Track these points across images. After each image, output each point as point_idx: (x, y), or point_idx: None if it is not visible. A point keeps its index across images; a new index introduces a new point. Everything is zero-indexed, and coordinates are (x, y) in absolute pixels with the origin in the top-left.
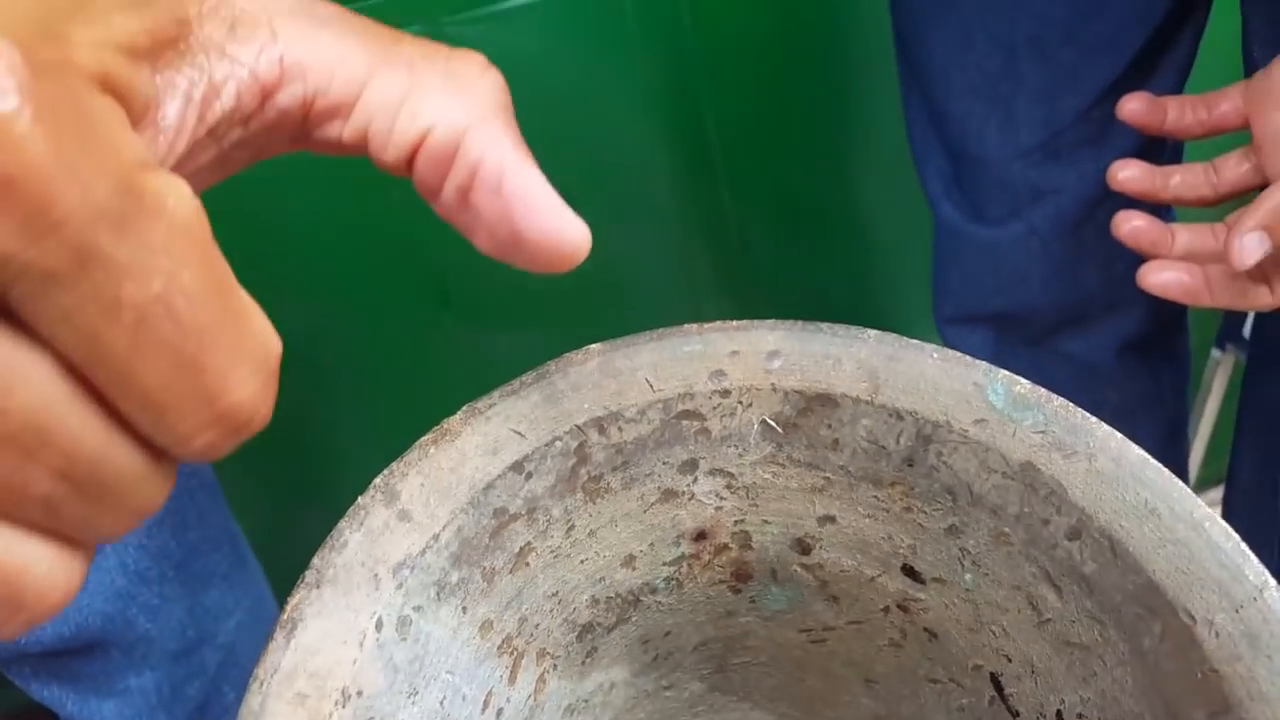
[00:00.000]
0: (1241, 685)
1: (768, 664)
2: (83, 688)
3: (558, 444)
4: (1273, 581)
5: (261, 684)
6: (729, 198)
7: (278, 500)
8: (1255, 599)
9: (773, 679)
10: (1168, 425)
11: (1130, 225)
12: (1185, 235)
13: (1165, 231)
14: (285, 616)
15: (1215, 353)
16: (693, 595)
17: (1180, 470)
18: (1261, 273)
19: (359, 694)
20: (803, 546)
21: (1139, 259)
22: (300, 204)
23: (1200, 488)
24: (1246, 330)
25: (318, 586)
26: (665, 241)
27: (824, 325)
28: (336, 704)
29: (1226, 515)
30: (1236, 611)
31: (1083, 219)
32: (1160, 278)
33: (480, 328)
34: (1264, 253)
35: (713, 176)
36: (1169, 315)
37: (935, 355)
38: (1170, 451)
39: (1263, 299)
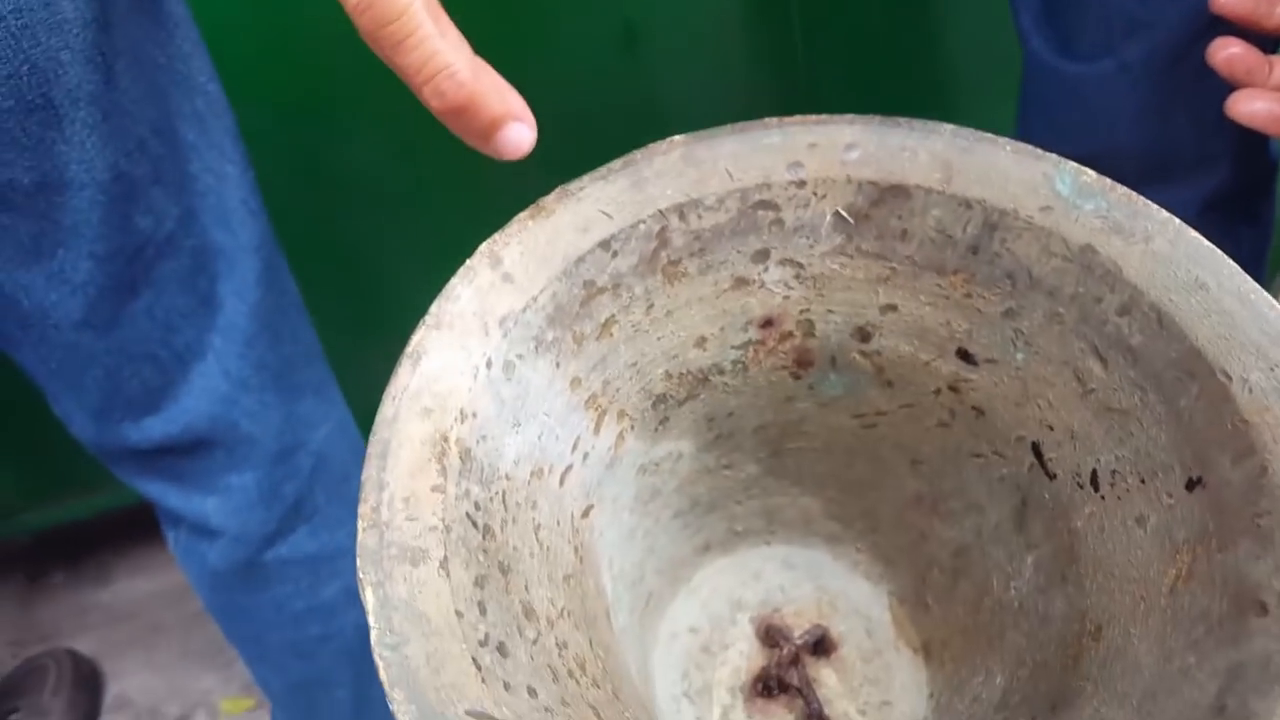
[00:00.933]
0: (1268, 431)
1: (820, 450)
2: (186, 484)
3: (641, 227)
4: None
5: (394, 399)
6: (800, 40)
7: (347, 331)
8: None
9: (824, 464)
10: None
11: (1227, 52)
12: None
13: (1262, 62)
14: (410, 349)
15: None
16: (756, 379)
17: None
18: None
19: (474, 415)
20: (863, 334)
21: None
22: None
23: None
24: None
25: (437, 328)
26: (729, 88)
27: (901, 120)
28: (456, 420)
29: None
30: (1272, 370)
31: (1179, 55)
32: (1251, 106)
33: (540, 164)
34: None
35: (785, 15)
36: (1258, 175)
37: (1009, 148)
38: None
39: None
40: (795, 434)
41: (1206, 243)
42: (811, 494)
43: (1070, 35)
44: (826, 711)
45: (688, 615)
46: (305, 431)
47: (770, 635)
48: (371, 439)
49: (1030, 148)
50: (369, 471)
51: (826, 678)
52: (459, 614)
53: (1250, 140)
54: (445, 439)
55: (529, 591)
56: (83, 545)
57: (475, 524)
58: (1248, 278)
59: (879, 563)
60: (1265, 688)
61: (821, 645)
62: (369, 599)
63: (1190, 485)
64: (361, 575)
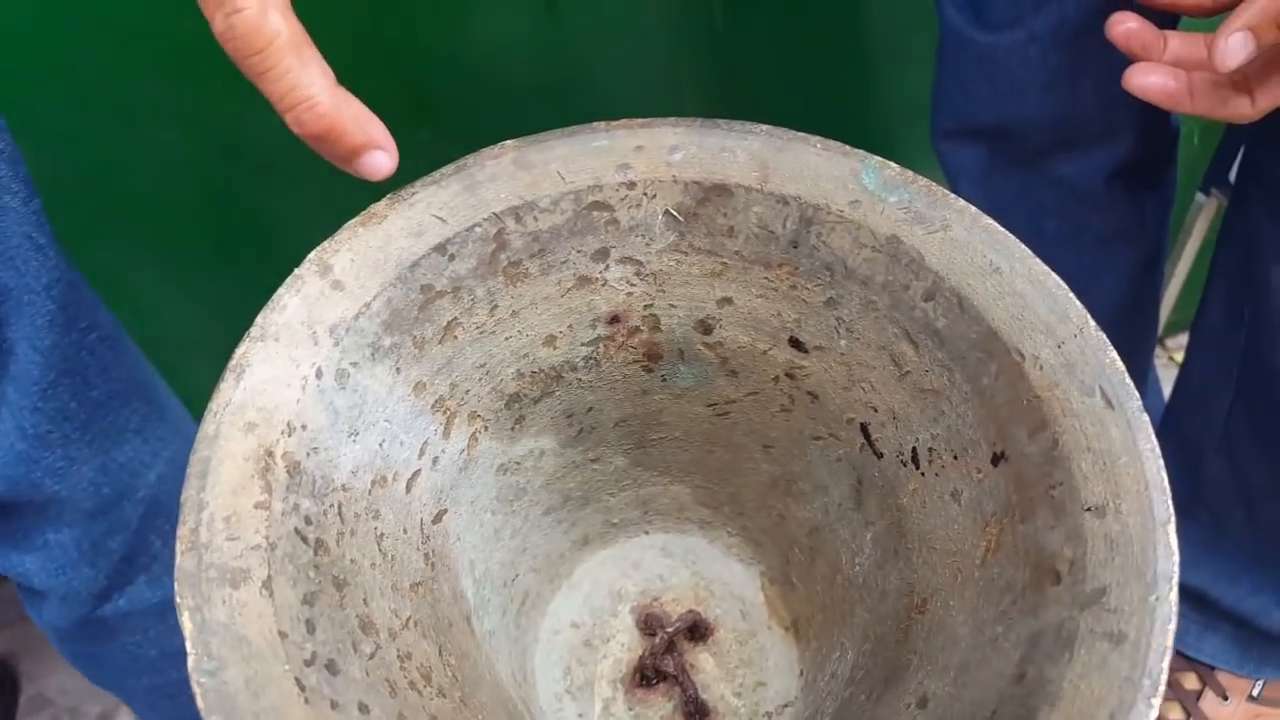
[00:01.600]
0: (1057, 405)
1: (681, 439)
2: (2, 544)
3: (477, 230)
4: (1092, 321)
5: (215, 414)
6: (720, 11)
7: (250, 304)
8: (1076, 335)
9: (687, 454)
10: (1146, 255)
11: (1124, 26)
12: (1176, 41)
13: (1158, 37)
14: (233, 363)
15: (1200, 196)
16: (610, 374)
17: (1153, 301)
18: (1245, 81)
19: (303, 427)
20: (705, 327)
21: None
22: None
23: (1171, 332)
24: (1232, 175)
25: (261, 340)
26: (650, 58)
27: (720, 121)
28: (283, 433)
29: (1192, 350)
30: (1059, 347)
31: (1086, 27)
32: (1145, 80)
33: (458, 139)
34: (1247, 55)
35: None
36: (1160, 144)
37: (818, 145)
38: (1145, 282)
39: (1243, 109)
40: (656, 425)
41: (999, 228)
42: (680, 482)
43: (983, 5)
44: (704, 696)
45: (569, 610)
46: (128, 479)
47: (649, 624)
48: (191, 458)
49: (839, 145)
50: (188, 492)
51: (704, 663)
52: (283, 634)
53: (1153, 112)
54: (270, 454)
55: (368, 604)
56: None
57: (305, 539)
58: (1038, 260)
59: (749, 545)
60: (1057, 654)
61: (698, 630)
62: (186, 624)
63: (995, 460)
64: (179, 600)
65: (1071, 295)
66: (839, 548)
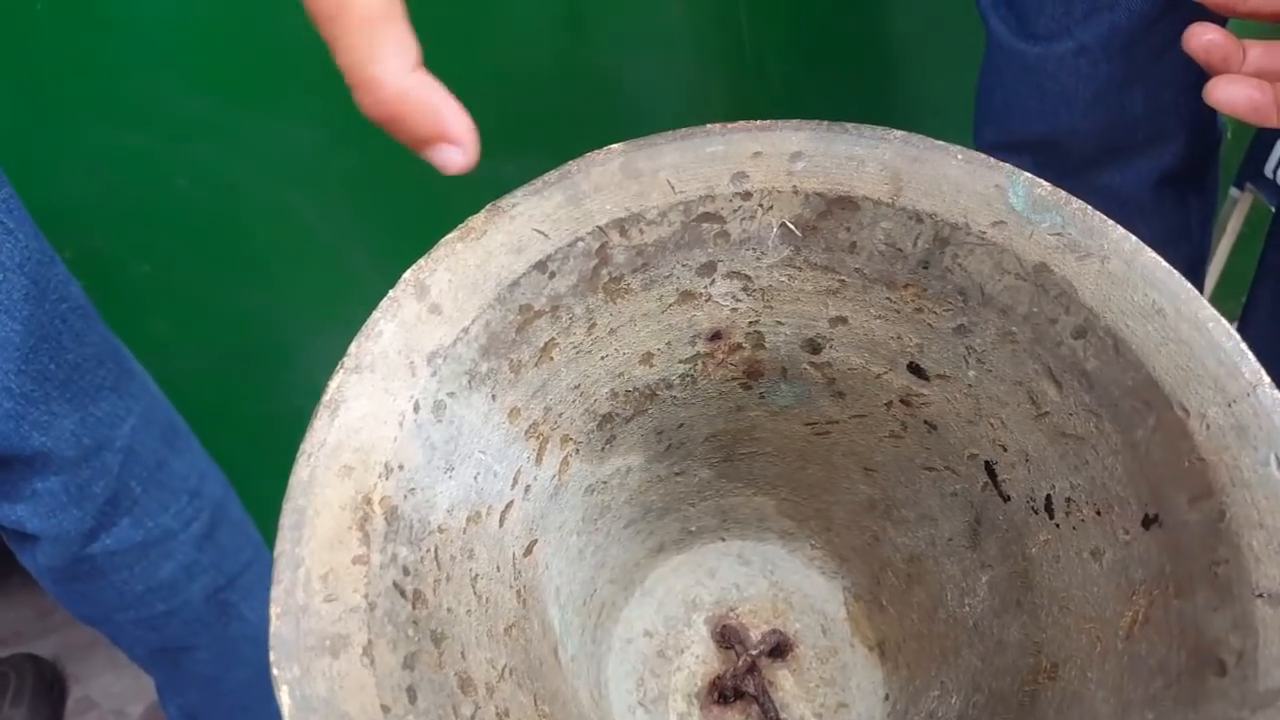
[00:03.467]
0: (1226, 472)
1: (772, 454)
2: None
3: (580, 244)
4: (1267, 379)
5: (309, 457)
6: (746, 15)
7: (286, 320)
8: (1249, 394)
9: (776, 468)
10: (1191, 259)
11: (1205, 39)
12: (1256, 51)
13: (1238, 47)
14: (328, 398)
15: (1234, 191)
16: (706, 391)
17: None
18: None
19: (400, 468)
20: (813, 346)
21: (1186, 87)
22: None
23: None
24: (1269, 169)
25: (357, 371)
26: (675, 65)
27: (850, 126)
28: (380, 476)
29: None
30: (1229, 406)
31: (1136, 38)
32: (1229, 92)
33: (488, 155)
34: None
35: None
36: (1206, 148)
37: (960, 156)
38: (1190, 281)
39: None
40: (747, 440)
41: (1164, 264)
42: (765, 494)
43: (1029, 16)
44: (783, 716)
45: (642, 619)
46: (106, 431)
47: (726, 637)
48: (285, 506)
49: (983, 157)
50: (282, 546)
51: (782, 680)
52: (385, 708)
53: (1200, 116)
54: (369, 500)
55: (465, 659)
56: None
57: (404, 593)
58: (1204, 303)
59: (834, 559)
60: None
61: (779, 648)
62: (285, 701)
63: (1147, 522)
64: (276, 672)
65: (1244, 347)
66: (944, 582)
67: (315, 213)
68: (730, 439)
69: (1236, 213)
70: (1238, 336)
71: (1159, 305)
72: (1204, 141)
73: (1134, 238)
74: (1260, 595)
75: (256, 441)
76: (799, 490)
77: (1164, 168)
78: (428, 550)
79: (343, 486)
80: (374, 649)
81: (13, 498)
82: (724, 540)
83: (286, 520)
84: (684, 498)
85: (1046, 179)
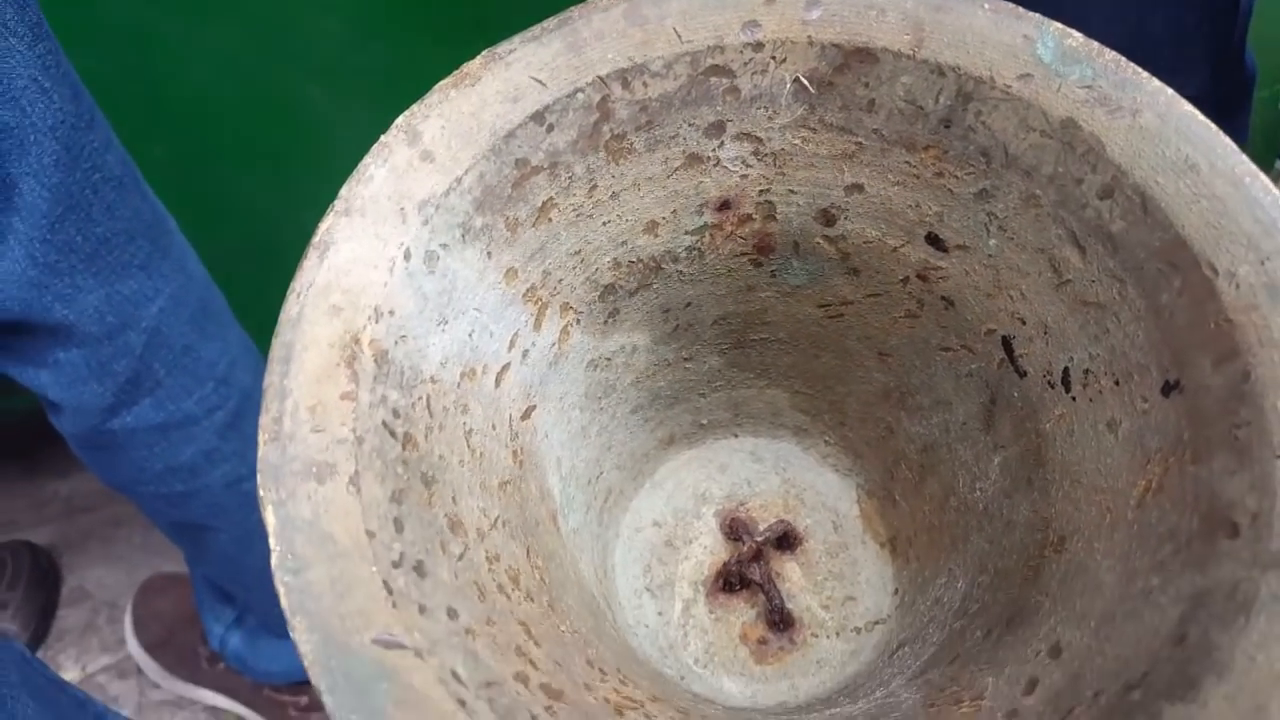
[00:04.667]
0: (1254, 332)
1: (785, 341)
2: (19, 357)
3: (579, 96)
4: None
5: (298, 295)
6: None
7: (298, 215)
8: None
9: (789, 357)
10: None
11: None
12: None
13: None
14: (317, 239)
15: (1278, 164)
16: (714, 266)
17: None
18: None
19: (390, 313)
20: (827, 218)
21: (1210, 15)
22: None
23: None
24: None
25: (347, 215)
26: None
27: None
28: (369, 319)
29: None
30: (1262, 264)
31: None
32: None
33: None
34: None
35: None
36: (1234, 85)
37: (987, 6)
38: None
39: None
40: (758, 325)
41: (1201, 118)
42: (778, 386)
43: None
44: (789, 606)
45: (651, 509)
46: (131, 310)
47: (734, 529)
48: (274, 341)
49: (1011, 6)
50: (270, 378)
51: (790, 572)
52: (370, 534)
53: (1226, 52)
54: (357, 340)
55: (456, 503)
56: (39, 438)
57: (393, 433)
58: (1243, 157)
59: (847, 455)
60: (1229, 618)
61: (786, 540)
62: (270, 519)
63: (1167, 389)
64: (262, 493)
65: None
66: (957, 469)
67: (334, 108)
68: (741, 322)
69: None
70: (1276, 192)
71: (1193, 160)
72: (1231, 79)
73: (1169, 90)
74: None
75: (263, 336)
76: (813, 381)
77: (1191, 91)
78: (419, 398)
79: (331, 325)
80: (360, 479)
81: (36, 363)
82: (736, 436)
83: (276, 354)
84: (694, 387)
85: None
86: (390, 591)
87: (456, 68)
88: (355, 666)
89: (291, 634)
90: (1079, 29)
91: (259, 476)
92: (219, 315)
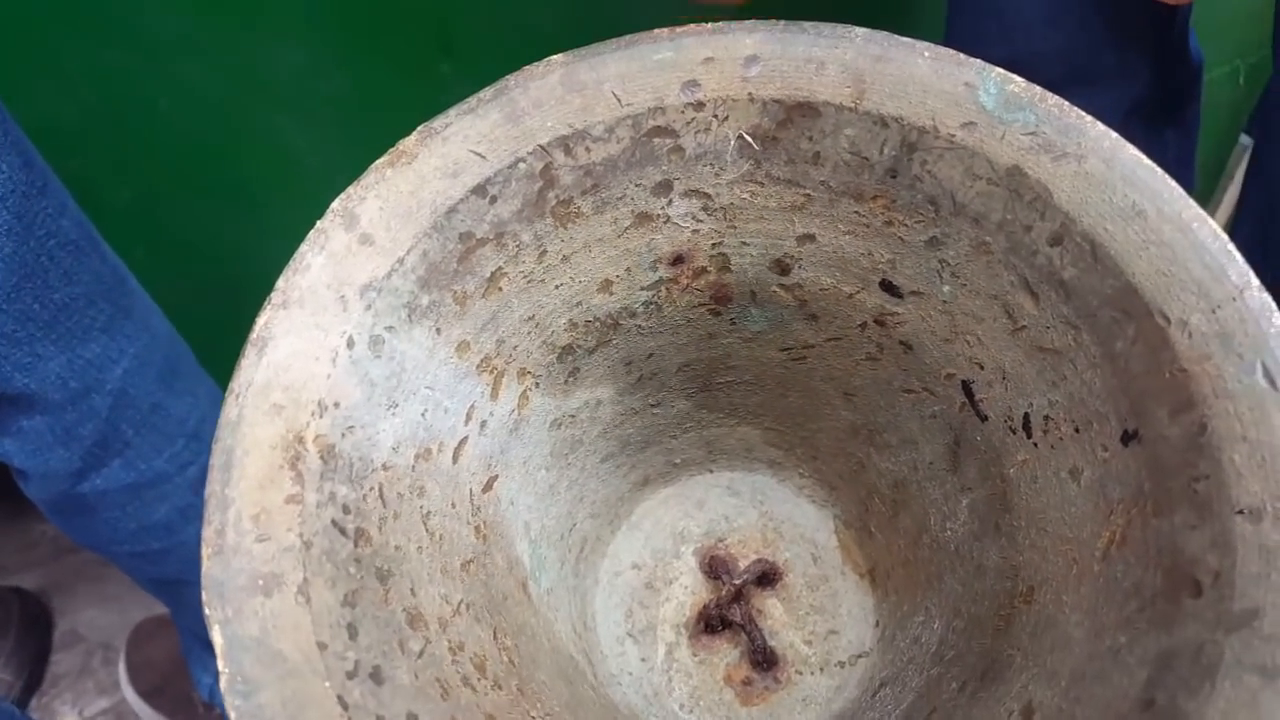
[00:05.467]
0: (1208, 382)
1: (751, 383)
2: None
3: (521, 165)
4: (1255, 281)
5: (237, 396)
6: None
7: (270, 248)
8: (1234, 299)
9: (757, 396)
10: None
11: None
12: None
13: None
14: (255, 335)
15: (1244, 138)
16: (673, 318)
17: None
18: None
19: (335, 405)
20: (782, 267)
21: (1150, 16)
22: None
23: None
24: None
25: (284, 307)
26: None
27: (808, 25)
28: (313, 414)
29: None
30: (1213, 312)
31: None
32: None
33: (481, 76)
34: None
35: None
36: (1180, 82)
37: (927, 54)
38: None
39: None
40: (723, 369)
41: (1146, 162)
42: (749, 424)
43: None
44: (772, 643)
45: (630, 552)
46: (95, 373)
47: (714, 568)
48: (214, 447)
49: (951, 53)
50: (212, 487)
51: (772, 609)
52: (322, 645)
53: (1171, 48)
54: (300, 439)
55: (415, 594)
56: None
57: (344, 531)
58: (1191, 202)
59: (823, 488)
60: (1195, 685)
61: (766, 577)
62: (216, 639)
63: (1126, 438)
64: (208, 612)
65: (1232, 248)
66: (928, 507)
67: (301, 138)
68: (705, 368)
69: (1246, 160)
70: (1225, 237)
71: (1140, 206)
72: (1178, 73)
73: (1114, 134)
74: (1240, 512)
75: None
76: (782, 419)
77: (1134, 97)
78: (371, 488)
79: (272, 425)
80: (310, 587)
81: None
82: (712, 471)
83: (215, 461)
84: (664, 430)
85: None
86: (345, 707)
87: (421, 93)
88: None
89: None
90: (1024, 32)
91: (204, 594)
92: (187, 370)
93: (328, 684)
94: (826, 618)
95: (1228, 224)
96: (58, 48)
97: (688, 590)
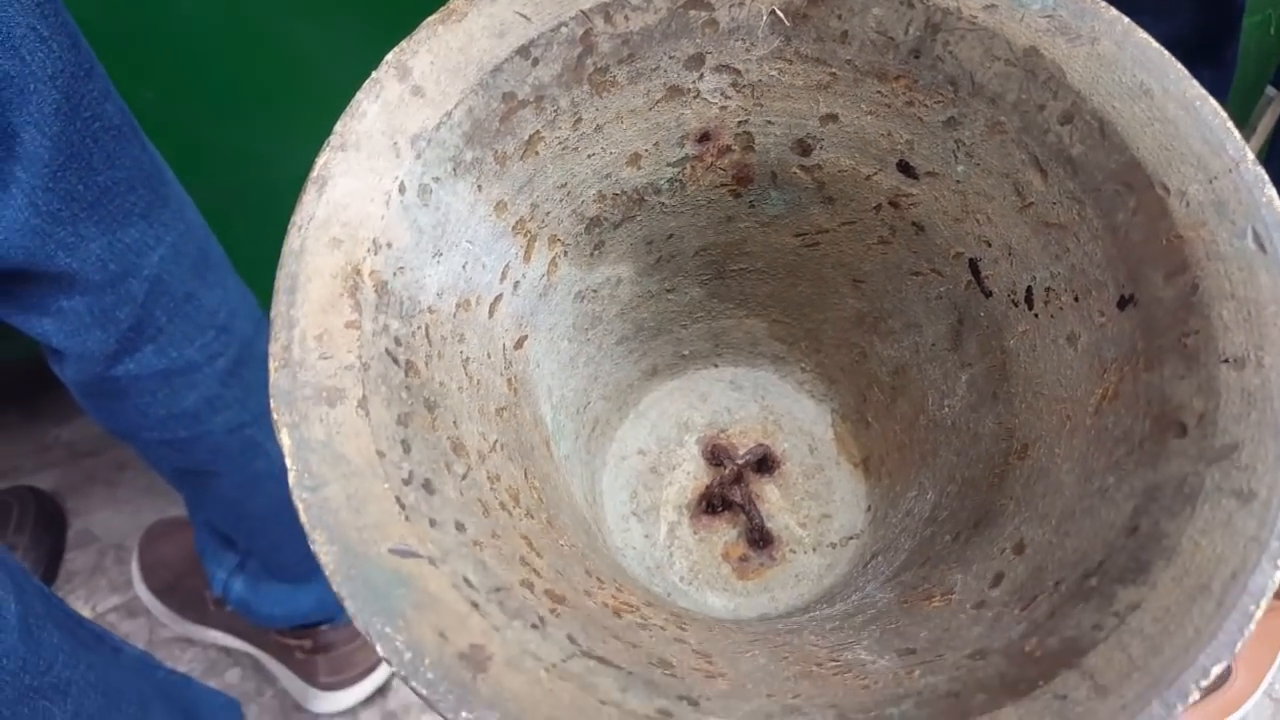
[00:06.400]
0: (1201, 246)
1: (764, 270)
2: (22, 305)
3: (564, 30)
4: (1250, 155)
5: (300, 229)
6: None
7: (290, 155)
8: (1230, 170)
9: (767, 286)
10: None
11: None
12: None
13: None
14: (315, 174)
15: (1270, 90)
16: (695, 198)
17: None
18: None
19: (388, 245)
20: (803, 147)
21: None
22: None
23: None
24: None
25: (343, 150)
26: None
27: None
28: (369, 251)
29: None
30: (1210, 182)
31: None
32: None
33: None
34: None
35: None
36: (1221, 20)
37: None
38: None
39: None
40: (738, 255)
41: (1155, 45)
42: (757, 315)
43: None
44: (768, 525)
45: (636, 438)
46: (134, 258)
47: (716, 455)
48: (279, 272)
49: None
50: (277, 308)
51: (769, 494)
52: (380, 453)
53: None
54: (358, 271)
55: (458, 427)
56: (38, 384)
57: (396, 360)
58: (1194, 82)
59: (823, 382)
60: (1176, 508)
61: (765, 463)
62: (285, 440)
63: (1122, 303)
64: (276, 417)
65: (1230, 125)
66: (926, 388)
67: (323, 45)
68: (721, 253)
69: (1270, 112)
70: (1224, 114)
71: (1146, 85)
72: (1218, 11)
73: (1125, 19)
74: (1225, 360)
75: (254, 278)
76: (790, 310)
77: (1175, 30)
78: (418, 327)
79: (333, 257)
80: (369, 403)
81: (39, 311)
82: (717, 366)
83: (281, 285)
84: (675, 318)
85: None
86: (403, 506)
87: (442, 3)
88: (374, 574)
89: (311, 546)
90: None
91: (271, 401)
92: (218, 264)
93: (386, 485)
94: (821, 503)
95: None
96: None
97: (690, 475)
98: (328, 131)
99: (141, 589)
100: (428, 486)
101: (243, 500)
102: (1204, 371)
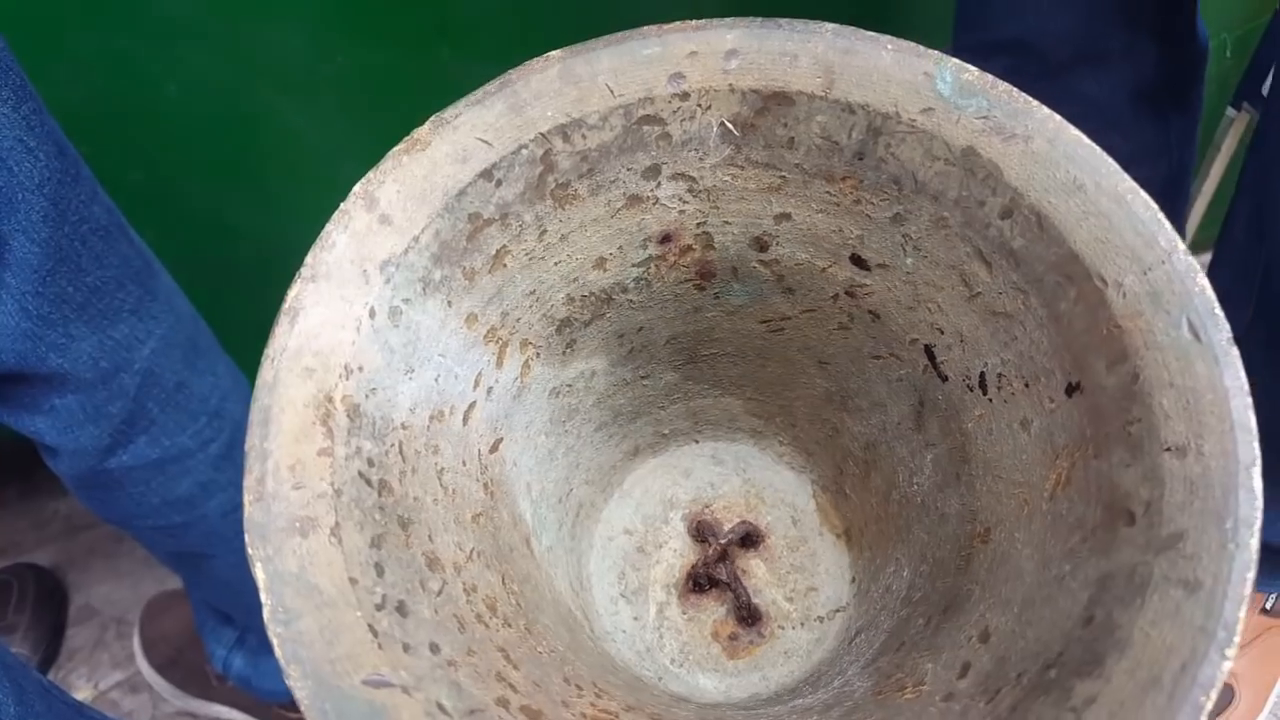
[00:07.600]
0: (1140, 336)
1: (733, 354)
2: (15, 404)
3: (524, 152)
4: (1182, 246)
5: (273, 360)
6: None
7: (277, 229)
8: (1163, 262)
9: (738, 368)
10: (1170, 174)
11: None
12: None
13: None
14: (286, 306)
15: (1230, 111)
16: (661, 293)
17: (1177, 219)
18: None
19: (360, 369)
20: (761, 244)
21: None
22: None
23: (1196, 251)
24: (1266, 89)
25: (313, 280)
26: None
27: (782, 21)
28: (340, 377)
29: (1214, 264)
30: (1145, 274)
31: None
32: None
33: (478, 60)
34: None
35: None
36: (1187, 64)
37: (890, 46)
38: (1169, 201)
39: None
40: (707, 341)
41: (1085, 140)
42: (732, 394)
43: None
44: (756, 600)
45: (622, 518)
46: (124, 354)
47: (701, 531)
48: (252, 405)
49: (911, 45)
50: (251, 441)
51: (755, 568)
52: (353, 580)
53: (1178, 29)
54: (330, 399)
55: (433, 541)
56: (35, 459)
57: (369, 482)
58: (1124, 175)
59: (800, 454)
60: (1128, 598)
61: (750, 538)
62: (259, 575)
63: (1070, 390)
64: (251, 551)
65: (1162, 217)
66: (896, 465)
67: (306, 120)
68: (691, 340)
69: (1231, 133)
70: (1155, 207)
71: (1080, 181)
72: (1185, 55)
73: (1057, 117)
74: (1168, 449)
75: (246, 354)
76: (763, 389)
77: (1142, 78)
78: (392, 445)
79: (305, 386)
80: (341, 530)
81: (31, 410)
82: (697, 442)
83: (254, 418)
84: (653, 401)
85: (1023, 83)
86: (375, 634)
87: (421, 75)
88: (348, 707)
89: (287, 681)
90: (1034, 10)
91: (246, 536)
92: (208, 350)
93: (359, 613)
94: (806, 576)
95: (1214, 195)
96: (67, 33)
97: (676, 553)
98: (313, 202)
99: (144, 665)
100: (401, 609)
101: (239, 580)
102: (1148, 460)
